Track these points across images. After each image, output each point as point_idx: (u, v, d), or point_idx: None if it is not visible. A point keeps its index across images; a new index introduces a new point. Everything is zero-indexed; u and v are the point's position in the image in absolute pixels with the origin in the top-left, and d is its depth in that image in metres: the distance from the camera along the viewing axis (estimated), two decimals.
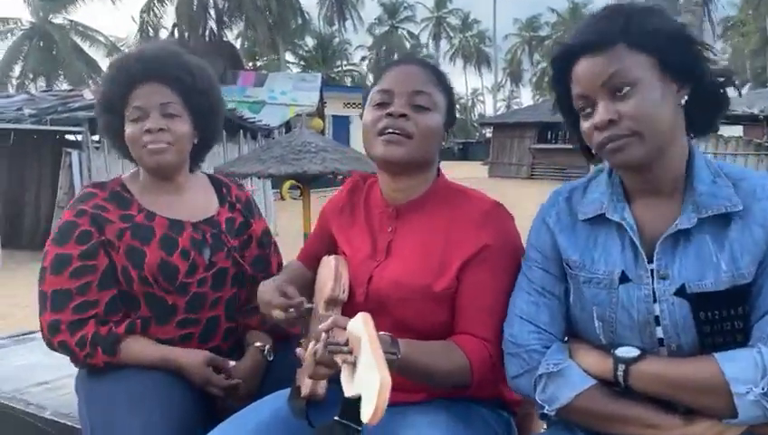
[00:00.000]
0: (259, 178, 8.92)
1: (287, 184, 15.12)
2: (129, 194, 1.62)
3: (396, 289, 1.32)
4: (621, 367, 1.10)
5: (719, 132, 18.13)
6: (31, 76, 30.93)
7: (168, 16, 22.95)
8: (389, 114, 1.30)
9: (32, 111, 10.01)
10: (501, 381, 1.30)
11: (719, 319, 1.07)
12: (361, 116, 1.41)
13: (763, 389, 0.99)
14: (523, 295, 1.25)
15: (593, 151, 1.17)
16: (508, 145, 24.55)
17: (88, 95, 10.78)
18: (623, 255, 1.14)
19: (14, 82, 30.26)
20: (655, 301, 1.10)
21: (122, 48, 30.75)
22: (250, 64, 31.62)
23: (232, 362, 1.58)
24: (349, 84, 44.73)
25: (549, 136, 25.18)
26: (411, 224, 1.38)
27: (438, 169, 1.44)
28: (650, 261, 1.11)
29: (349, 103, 24.30)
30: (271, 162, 7.60)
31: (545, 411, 1.16)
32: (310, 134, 8.85)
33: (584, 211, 1.20)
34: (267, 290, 1.40)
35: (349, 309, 1.36)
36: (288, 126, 15.76)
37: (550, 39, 55.24)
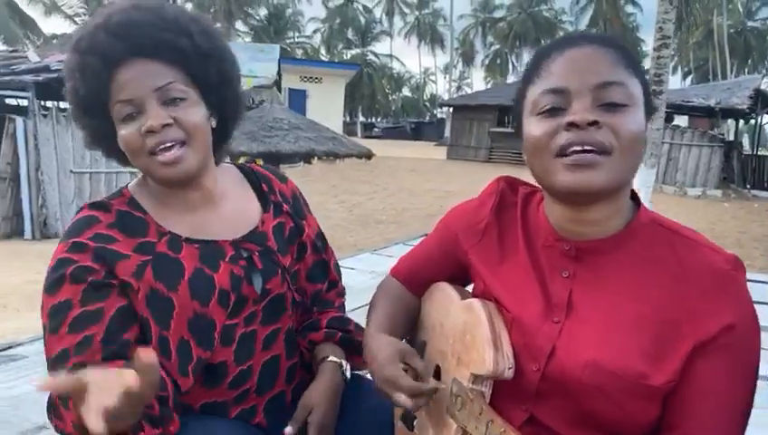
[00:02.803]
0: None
1: (258, 161, 14.57)
2: (141, 213, 1.18)
3: (594, 374, 0.91)
4: None
5: (675, 123, 18.51)
6: None
7: None
8: (572, 124, 0.90)
9: None
10: None
11: None
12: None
13: None
14: None
15: None
16: (467, 128, 24.37)
17: (33, 57, 9.95)
18: None
19: None
20: None
21: (62, 7, 29.09)
22: None
23: (288, 429, 1.18)
24: (301, 57, 43.88)
25: (507, 120, 25.20)
26: (601, 272, 0.97)
27: (635, 196, 1.03)
28: None
29: (306, 77, 23.78)
30: (241, 139, 7.14)
31: None
32: (281, 110, 8.44)
33: None
34: (386, 361, 1.05)
35: (512, 387, 0.98)
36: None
37: (504, 21, 55.48)
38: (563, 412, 0.94)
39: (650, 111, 0.96)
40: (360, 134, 40.44)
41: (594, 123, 0.89)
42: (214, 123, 1.20)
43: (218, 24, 24.87)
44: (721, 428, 0.89)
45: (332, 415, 1.22)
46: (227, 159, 1.40)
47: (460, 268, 1.15)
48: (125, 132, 1.11)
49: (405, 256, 1.28)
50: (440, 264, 1.19)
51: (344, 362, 1.28)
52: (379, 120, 60.49)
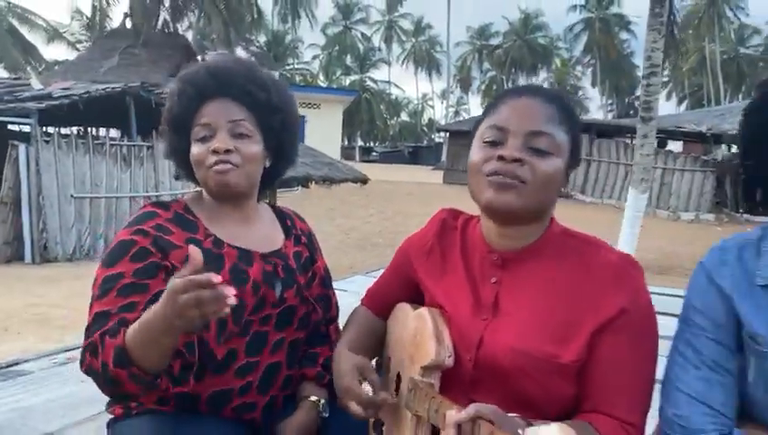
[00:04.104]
0: None
1: None
2: (193, 217, 1.41)
3: (514, 358, 1.11)
4: None
5: (667, 148, 18.74)
6: None
7: (121, 4, 22.04)
8: (501, 157, 1.11)
9: None
10: None
11: None
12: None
13: None
14: (690, 369, 1.08)
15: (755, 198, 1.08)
16: (463, 152, 24.59)
17: (36, 84, 10.15)
18: None
19: None
20: None
21: (64, 34, 29.48)
22: (200, 58, 30.79)
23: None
24: (299, 83, 44.31)
25: None
26: (521, 276, 1.18)
27: (552, 216, 1.24)
28: None
29: (304, 103, 24.06)
30: None
31: None
32: None
33: (765, 275, 1.05)
34: (344, 373, 1.24)
35: (451, 378, 1.17)
36: None
37: (500, 48, 56.16)
38: (496, 395, 1.10)
39: (575, 160, 1.18)
40: (358, 158, 40.76)
41: (518, 160, 1.10)
42: (267, 163, 1.46)
43: (219, 51, 25.24)
44: (623, 396, 1.08)
45: None
46: None
47: (414, 287, 1.34)
48: (197, 150, 1.37)
49: (371, 285, 1.49)
50: (398, 286, 1.39)
51: (323, 401, 1.44)
52: (377, 144, 60.98)
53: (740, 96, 51.40)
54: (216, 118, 1.36)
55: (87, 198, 9.78)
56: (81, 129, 14.13)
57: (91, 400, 1.21)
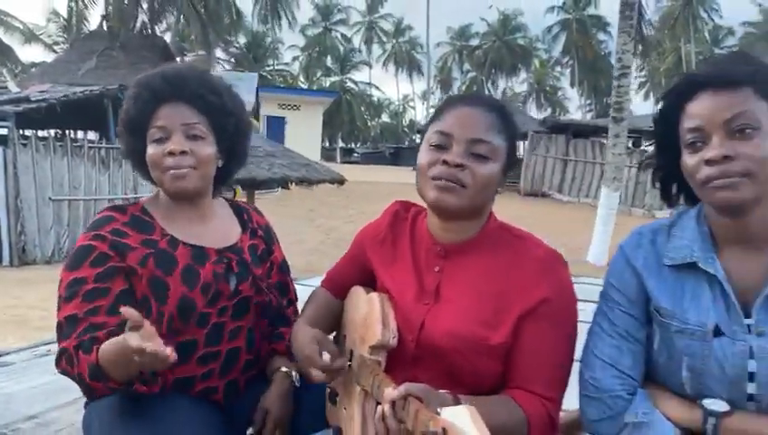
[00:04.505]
0: None
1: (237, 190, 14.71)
2: (150, 218, 1.52)
3: (450, 339, 1.26)
4: (712, 420, 1.09)
5: (642, 147, 19.03)
6: None
7: (98, 6, 21.87)
8: (445, 162, 1.24)
9: None
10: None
11: None
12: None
13: None
14: (605, 338, 1.23)
15: (670, 192, 1.22)
16: None
17: (13, 87, 10.14)
18: (715, 307, 1.13)
19: None
20: (751, 357, 1.10)
21: (41, 36, 29.23)
22: (178, 60, 30.63)
23: (250, 430, 1.50)
24: (279, 84, 44.23)
25: None
26: (461, 266, 1.32)
27: (491, 212, 1.39)
28: (745, 316, 1.11)
29: (284, 104, 24.09)
30: None
31: None
32: (256, 137, 8.68)
33: (671, 256, 1.19)
34: (304, 341, 1.35)
35: (395, 356, 1.30)
36: None
37: (480, 49, 56.48)
38: (434, 372, 1.24)
39: (512, 163, 1.32)
40: (339, 159, 40.78)
41: (460, 166, 1.23)
42: (220, 163, 1.57)
43: (199, 53, 25.17)
44: (542, 374, 1.23)
45: (286, 413, 1.52)
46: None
47: (368, 272, 1.47)
48: (153, 151, 1.47)
49: (330, 269, 1.62)
50: (354, 271, 1.52)
51: (294, 372, 1.57)
52: (358, 145, 61.02)
53: None
54: (170, 121, 1.46)
55: (65, 201, 9.79)
56: (59, 131, 14.09)
57: (70, 387, 1.32)
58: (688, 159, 1.13)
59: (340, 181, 7.09)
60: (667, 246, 1.21)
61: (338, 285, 1.55)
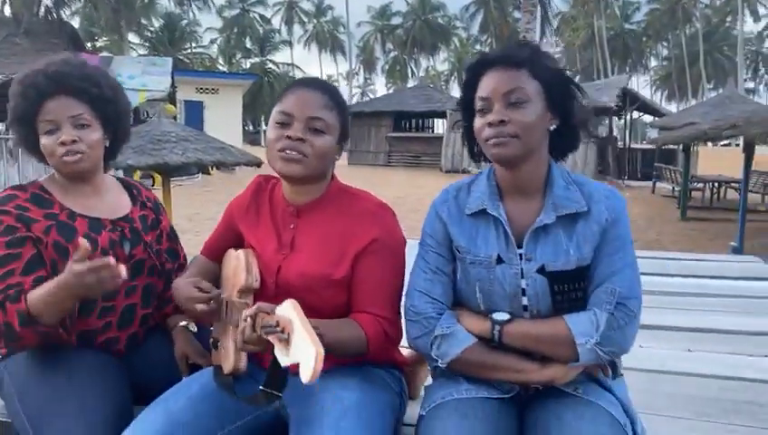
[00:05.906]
0: (117, 169, 8.56)
1: (137, 174, 14.45)
2: (48, 195, 1.71)
3: (302, 278, 1.53)
4: (497, 328, 1.42)
5: None
6: None
7: None
8: (288, 137, 1.48)
9: None
10: (392, 347, 1.59)
11: (567, 291, 1.42)
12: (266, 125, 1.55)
13: (596, 339, 1.36)
14: (421, 274, 1.53)
15: (474, 150, 1.53)
16: (366, 133, 25.14)
17: None
18: (498, 241, 1.46)
19: None
20: (522, 277, 1.43)
21: None
22: (89, 45, 29.46)
23: (185, 376, 1.73)
24: (198, 68, 43.17)
25: (404, 125, 26.06)
26: (310, 221, 1.59)
27: (333, 175, 1.65)
28: (519, 247, 1.44)
29: (201, 88, 23.63)
30: (128, 153, 7.33)
31: (439, 364, 1.46)
32: (169, 123, 8.59)
33: (469, 207, 1.51)
34: (184, 287, 1.59)
35: (261, 297, 1.55)
36: (137, 112, 15.06)
37: (401, 27, 56.84)
38: None
39: (345, 136, 1.58)
40: (264, 142, 40.25)
41: (300, 139, 1.49)
42: (107, 143, 1.78)
43: (108, 38, 24.30)
44: (377, 298, 1.53)
45: (198, 348, 1.78)
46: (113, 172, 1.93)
47: (238, 237, 1.72)
48: (46, 141, 1.67)
49: (207, 238, 1.85)
50: (226, 236, 1.76)
51: (191, 323, 1.82)
52: None
53: (627, 69, 54.65)
54: (58, 114, 1.65)
55: None
56: None
57: None
58: (477, 122, 1.45)
59: (258, 164, 7.20)
60: (468, 200, 1.53)
61: (214, 251, 1.78)
